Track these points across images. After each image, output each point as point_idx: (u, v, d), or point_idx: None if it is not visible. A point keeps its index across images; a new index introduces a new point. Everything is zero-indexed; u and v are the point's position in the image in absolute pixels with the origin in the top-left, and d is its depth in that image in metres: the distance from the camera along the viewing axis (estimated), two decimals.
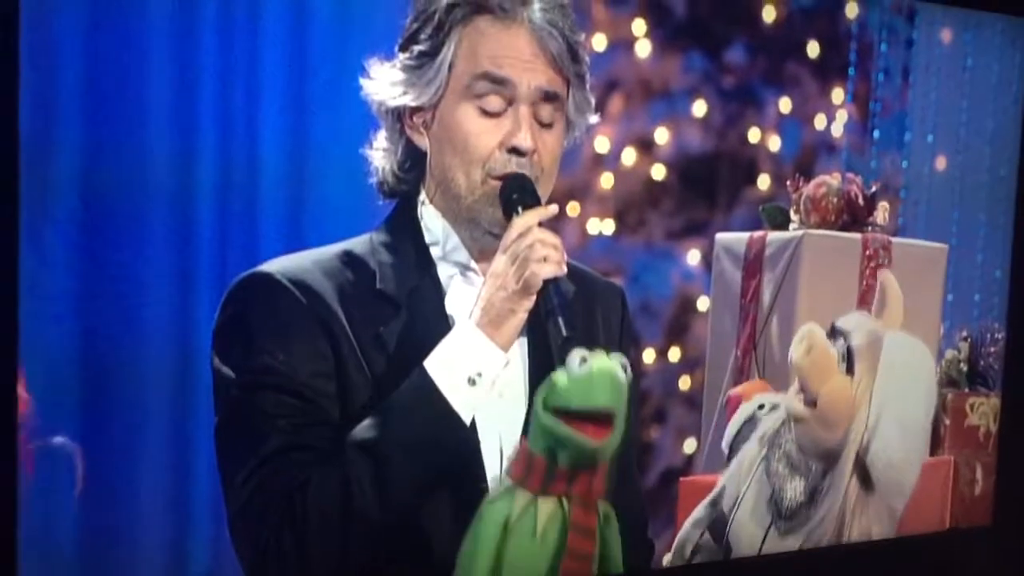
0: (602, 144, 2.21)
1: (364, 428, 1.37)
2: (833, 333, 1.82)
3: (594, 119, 1.57)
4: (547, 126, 1.48)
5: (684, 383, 2.37)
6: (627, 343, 1.68)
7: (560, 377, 1.31)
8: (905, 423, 1.81)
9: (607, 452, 1.32)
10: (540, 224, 1.41)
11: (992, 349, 2.44)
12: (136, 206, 1.63)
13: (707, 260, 2.33)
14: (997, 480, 2.38)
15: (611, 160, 2.25)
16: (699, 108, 2.34)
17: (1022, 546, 2.50)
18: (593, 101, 1.55)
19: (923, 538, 2.12)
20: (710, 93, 2.33)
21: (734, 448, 1.93)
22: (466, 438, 1.40)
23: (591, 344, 1.44)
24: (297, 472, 1.36)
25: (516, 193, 1.43)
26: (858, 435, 1.77)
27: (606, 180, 2.26)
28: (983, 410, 2.38)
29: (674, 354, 2.38)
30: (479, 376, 1.38)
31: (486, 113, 1.45)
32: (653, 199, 2.31)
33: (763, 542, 1.79)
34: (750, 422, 1.94)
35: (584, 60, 1.52)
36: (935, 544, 2.24)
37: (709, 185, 2.34)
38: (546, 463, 1.29)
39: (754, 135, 2.40)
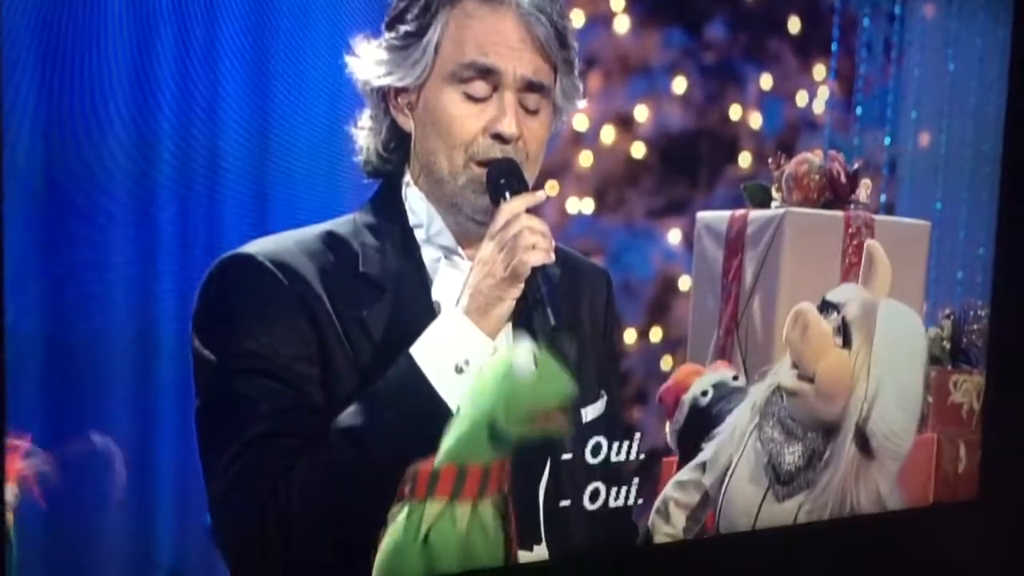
0: (581, 122, 2.19)
1: (349, 415, 1.36)
2: (825, 307, 1.81)
3: (582, 104, 1.56)
4: (533, 112, 1.47)
5: (666, 363, 2.36)
6: (611, 325, 1.67)
7: (519, 387, 1.29)
8: (902, 390, 1.80)
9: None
10: (528, 211, 1.39)
11: (975, 326, 2.44)
12: (98, 187, 1.61)
13: (688, 239, 2.32)
14: (982, 455, 2.38)
15: (590, 138, 2.24)
16: (679, 85, 2.32)
17: (1006, 521, 2.50)
18: (581, 87, 1.54)
19: (908, 513, 2.11)
20: (690, 70, 2.31)
21: (689, 441, 1.90)
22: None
23: (576, 327, 1.43)
24: (281, 457, 1.34)
25: (503, 178, 1.42)
26: (858, 406, 1.76)
27: (585, 158, 2.24)
28: (966, 387, 2.38)
29: (656, 334, 2.37)
30: (466, 364, 1.37)
31: (471, 98, 1.44)
32: (633, 178, 2.30)
33: (760, 507, 1.79)
34: (696, 413, 1.91)
35: (572, 46, 1.50)
36: (920, 520, 2.24)
37: (690, 163, 2.33)
38: (480, 468, 1.27)
39: (735, 112, 2.38)
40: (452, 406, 1.36)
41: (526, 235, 1.37)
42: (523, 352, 1.28)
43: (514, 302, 1.40)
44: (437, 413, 1.36)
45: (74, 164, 1.58)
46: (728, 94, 2.37)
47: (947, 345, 2.42)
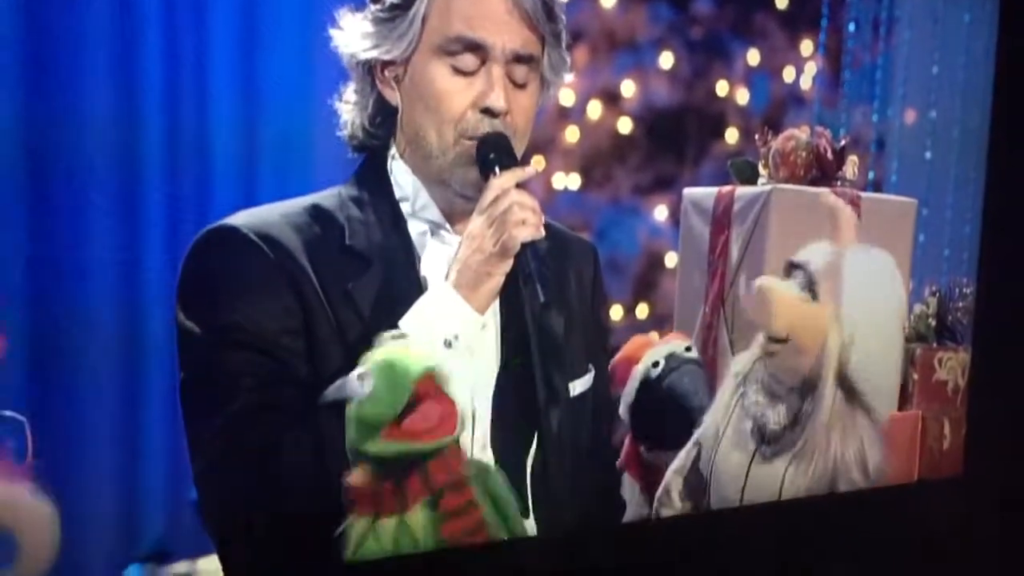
0: (567, 97, 2.18)
1: (337, 388, 1.35)
2: (790, 268, 1.81)
3: (569, 77, 1.54)
4: (521, 86, 1.44)
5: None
6: (599, 300, 1.67)
7: (358, 408, 1.24)
8: (881, 330, 1.79)
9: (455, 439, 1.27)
10: (517, 186, 1.38)
11: (960, 304, 2.44)
12: (83, 165, 1.59)
13: (675, 215, 2.32)
14: (966, 433, 2.39)
15: (576, 113, 2.22)
16: (666, 60, 2.31)
17: (991, 498, 2.52)
18: (569, 60, 1.52)
19: (893, 490, 2.12)
20: (677, 45, 2.30)
21: (642, 415, 1.88)
22: None
23: (564, 301, 1.42)
24: (266, 431, 1.33)
25: (493, 152, 1.40)
26: (835, 354, 1.76)
27: (571, 133, 2.23)
28: (951, 365, 2.38)
29: (642, 311, 2.37)
30: (455, 339, 1.35)
31: (459, 72, 1.41)
32: (620, 153, 2.29)
33: (748, 470, 1.79)
34: (648, 385, 1.89)
35: (560, 18, 1.48)
36: (905, 496, 2.25)
37: (677, 139, 2.32)
38: (392, 480, 1.25)
39: (722, 88, 2.37)
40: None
41: (516, 210, 1.35)
42: (353, 375, 1.26)
43: (503, 277, 1.38)
44: None
45: (58, 143, 1.57)
46: (715, 69, 2.36)
47: (932, 322, 2.42)
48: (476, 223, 1.37)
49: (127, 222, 1.66)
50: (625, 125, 2.30)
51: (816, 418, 1.76)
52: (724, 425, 1.79)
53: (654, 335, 2.07)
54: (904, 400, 2.28)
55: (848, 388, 1.77)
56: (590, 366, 1.57)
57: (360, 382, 1.24)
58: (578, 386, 1.54)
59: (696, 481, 1.82)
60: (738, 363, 1.83)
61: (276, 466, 1.32)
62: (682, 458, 1.83)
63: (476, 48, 1.41)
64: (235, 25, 1.72)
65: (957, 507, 2.40)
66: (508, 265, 1.37)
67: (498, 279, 1.38)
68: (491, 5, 1.42)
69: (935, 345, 2.38)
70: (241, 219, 1.39)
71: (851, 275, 1.76)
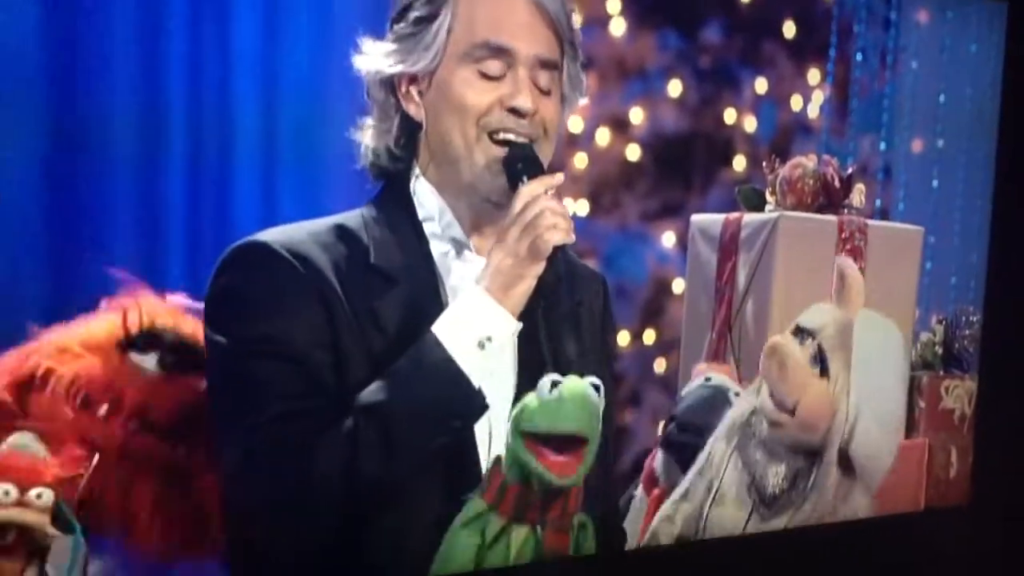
0: (575, 124, 2.20)
1: (372, 391, 1.36)
2: (799, 332, 1.81)
3: (583, 100, 1.57)
4: (545, 92, 1.47)
5: (659, 366, 2.36)
6: (608, 332, 1.68)
7: (531, 400, 1.30)
8: (883, 407, 1.81)
9: (576, 481, 1.31)
10: (547, 193, 1.40)
11: (967, 332, 2.44)
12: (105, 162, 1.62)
13: (682, 242, 2.32)
14: (974, 461, 2.39)
15: (585, 140, 2.24)
16: (674, 88, 2.33)
17: (998, 526, 2.51)
18: (585, 80, 1.54)
19: (900, 518, 2.12)
20: (686, 73, 2.32)
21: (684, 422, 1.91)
22: (475, 403, 1.38)
23: (577, 332, 1.43)
24: (300, 437, 1.34)
25: (521, 163, 1.42)
26: (839, 431, 1.77)
27: (580, 160, 2.24)
28: (958, 393, 2.38)
29: (649, 336, 2.37)
30: (488, 340, 1.37)
31: (485, 76, 1.44)
32: (628, 180, 2.30)
33: (744, 529, 1.79)
34: (692, 393, 1.91)
35: (576, 28, 1.51)
36: (912, 525, 2.24)
37: (684, 166, 2.33)
38: (519, 490, 1.27)
39: (730, 116, 2.39)
40: (474, 382, 1.36)
41: (547, 215, 1.37)
42: (549, 377, 1.29)
43: (535, 281, 1.40)
44: (459, 388, 1.35)
45: (80, 143, 1.59)
46: (723, 97, 2.38)
47: (939, 350, 2.42)
48: (508, 231, 1.39)
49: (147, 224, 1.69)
50: (633, 152, 2.32)
51: (818, 487, 1.76)
52: (719, 478, 1.79)
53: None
54: (911, 428, 2.29)
55: (845, 465, 1.77)
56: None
57: (552, 387, 1.28)
58: None
59: (687, 530, 1.82)
60: (733, 413, 1.83)
61: (312, 468, 1.33)
62: (668, 508, 1.84)
63: (502, 53, 1.44)
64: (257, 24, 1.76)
65: (963, 535, 2.39)
66: (540, 268, 1.39)
67: (530, 282, 1.40)
68: (516, 11, 1.45)
69: (942, 373, 2.38)
70: (271, 236, 1.41)
71: (859, 348, 1.76)
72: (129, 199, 1.68)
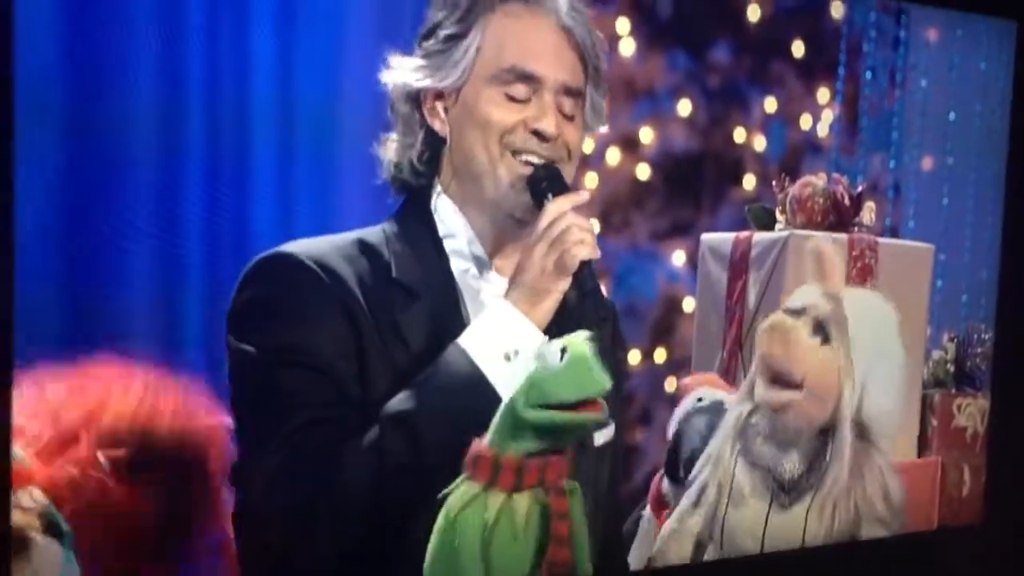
0: (587, 145, 2.21)
1: (399, 400, 1.37)
2: (791, 313, 1.81)
3: (603, 128, 1.59)
4: (569, 118, 1.49)
5: (670, 385, 2.36)
6: (618, 354, 1.68)
7: (541, 372, 1.28)
8: (886, 370, 1.80)
9: (608, 416, 1.30)
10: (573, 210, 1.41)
11: (979, 350, 2.44)
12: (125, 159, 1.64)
13: (693, 261, 2.33)
14: (987, 479, 2.38)
15: (595, 160, 2.25)
16: (684, 107, 2.34)
17: (1011, 545, 2.49)
18: (606, 110, 1.56)
19: (913, 537, 2.11)
20: (695, 92, 2.33)
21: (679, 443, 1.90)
22: None
23: (599, 347, 1.43)
24: (328, 445, 1.35)
25: (545, 181, 1.44)
26: (850, 400, 1.76)
27: (590, 180, 2.25)
28: (970, 411, 2.38)
29: (660, 355, 2.37)
30: (515, 353, 1.37)
31: (511, 99, 1.46)
32: (638, 199, 2.31)
33: (767, 519, 1.78)
34: (688, 418, 1.91)
35: (602, 54, 1.53)
36: (925, 544, 2.23)
37: (694, 185, 2.34)
38: (516, 459, 1.27)
39: (739, 135, 2.39)
40: (502, 393, 1.36)
41: (574, 231, 1.39)
42: (555, 344, 1.28)
43: (561, 295, 1.41)
44: (486, 399, 1.35)
45: (97, 153, 1.62)
46: (732, 117, 2.38)
47: (951, 368, 2.42)
48: (535, 247, 1.40)
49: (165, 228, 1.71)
50: (643, 171, 2.33)
51: (837, 463, 1.75)
52: (729, 484, 1.78)
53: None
54: (923, 446, 2.28)
55: (861, 433, 1.77)
56: (610, 419, 1.59)
57: (561, 354, 1.25)
58: (601, 438, 1.55)
59: (699, 542, 1.81)
60: (727, 422, 1.83)
61: (341, 477, 1.34)
62: (674, 522, 1.83)
63: (529, 78, 1.46)
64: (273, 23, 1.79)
65: (977, 554, 2.38)
66: (566, 283, 1.41)
67: (556, 296, 1.41)
68: (545, 38, 1.47)
69: (954, 391, 2.38)
70: (295, 247, 1.43)
71: (853, 318, 1.77)
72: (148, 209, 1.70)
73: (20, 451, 1.36)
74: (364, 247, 1.46)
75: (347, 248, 1.45)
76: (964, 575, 2.41)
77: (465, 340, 1.39)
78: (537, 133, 1.45)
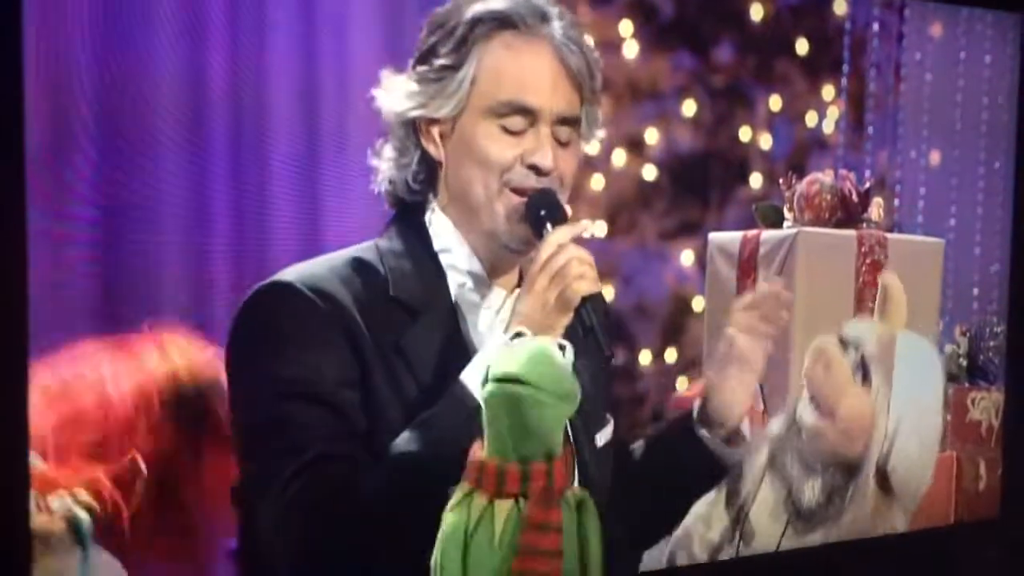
0: (592, 146, 2.21)
1: (404, 440, 1.36)
2: (842, 342, 1.79)
3: (600, 134, 1.57)
4: (565, 145, 1.47)
5: (681, 384, 2.36)
6: (610, 345, 1.67)
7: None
8: (921, 426, 1.78)
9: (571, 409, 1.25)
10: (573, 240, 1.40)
11: (992, 343, 2.43)
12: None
13: (701, 260, 2.33)
14: (1004, 473, 2.36)
15: (601, 162, 2.25)
16: (689, 108, 2.34)
17: None
18: (601, 117, 1.55)
19: (930, 532, 2.10)
20: (700, 92, 2.34)
21: None
22: None
23: (586, 355, 1.43)
24: (336, 480, 1.34)
25: (544, 209, 1.42)
26: (879, 445, 1.74)
27: (596, 181, 2.26)
28: (984, 405, 2.36)
29: (670, 355, 2.37)
30: None
31: (507, 131, 1.44)
32: (645, 200, 2.31)
33: (780, 542, 1.77)
34: None
35: (598, 76, 1.51)
36: (941, 539, 2.22)
37: (701, 185, 2.34)
38: (496, 464, 1.25)
39: (745, 134, 2.40)
40: None
41: (575, 265, 1.36)
42: (559, 342, 1.27)
43: (563, 330, 1.38)
44: None
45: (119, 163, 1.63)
46: (738, 116, 2.39)
47: (964, 362, 2.41)
48: (536, 279, 1.38)
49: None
50: (650, 172, 2.33)
51: (856, 503, 1.73)
52: (756, 489, 1.77)
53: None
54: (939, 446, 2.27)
55: (883, 482, 1.74)
56: (608, 417, 1.58)
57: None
58: (601, 438, 1.55)
59: (722, 535, 1.80)
60: (772, 424, 1.81)
61: (352, 518, 1.33)
62: (703, 506, 1.82)
63: (526, 112, 1.44)
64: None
65: (995, 549, 2.36)
66: (568, 319, 1.38)
67: (558, 332, 1.38)
68: (541, 71, 1.44)
69: (967, 385, 2.37)
70: (293, 275, 1.41)
71: (900, 365, 1.74)
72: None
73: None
74: (359, 266, 1.44)
75: (342, 269, 1.43)
76: (982, 570, 2.40)
77: (467, 376, 1.37)
78: (533, 167, 1.43)
